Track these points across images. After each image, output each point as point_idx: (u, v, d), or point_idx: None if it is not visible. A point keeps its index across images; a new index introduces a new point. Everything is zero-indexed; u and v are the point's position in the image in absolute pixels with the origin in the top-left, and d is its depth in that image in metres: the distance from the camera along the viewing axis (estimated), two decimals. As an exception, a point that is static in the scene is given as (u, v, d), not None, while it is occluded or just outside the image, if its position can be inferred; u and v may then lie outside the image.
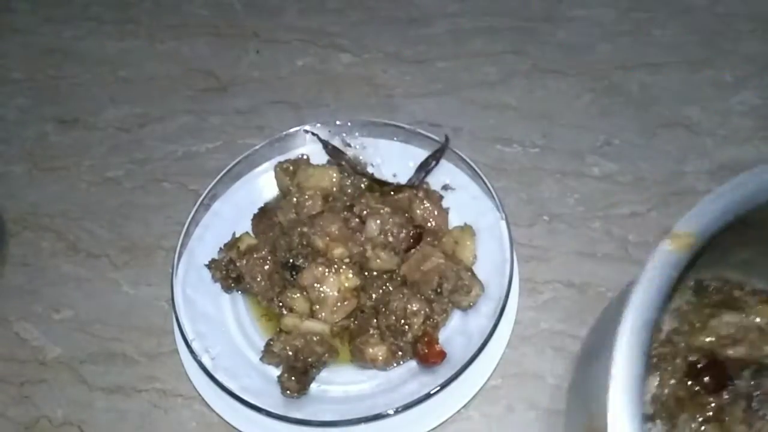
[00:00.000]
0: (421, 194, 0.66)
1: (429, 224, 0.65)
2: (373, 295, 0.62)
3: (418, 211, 0.65)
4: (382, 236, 0.62)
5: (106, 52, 0.91)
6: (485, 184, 0.65)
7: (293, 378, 0.58)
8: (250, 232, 0.68)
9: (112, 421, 0.62)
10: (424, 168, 0.68)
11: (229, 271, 0.63)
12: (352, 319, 0.62)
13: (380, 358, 0.59)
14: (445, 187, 0.68)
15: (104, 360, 0.65)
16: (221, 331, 0.63)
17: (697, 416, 0.48)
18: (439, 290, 0.60)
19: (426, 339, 0.59)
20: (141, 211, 0.75)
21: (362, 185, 0.68)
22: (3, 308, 0.69)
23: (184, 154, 0.80)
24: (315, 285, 0.60)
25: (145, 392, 0.63)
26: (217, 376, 0.57)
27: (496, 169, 0.74)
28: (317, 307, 0.61)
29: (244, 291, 0.65)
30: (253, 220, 0.68)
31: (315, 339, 0.60)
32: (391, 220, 0.63)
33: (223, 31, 0.91)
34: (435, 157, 0.68)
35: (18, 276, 0.72)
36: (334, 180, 0.68)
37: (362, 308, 0.62)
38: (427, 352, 0.58)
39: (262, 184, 0.71)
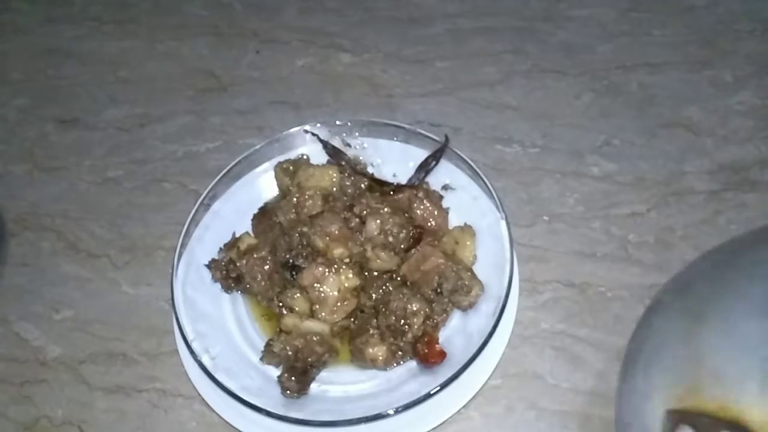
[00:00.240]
0: (421, 194, 0.66)
1: (429, 224, 0.65)
2: (373, 295, 0.62)
3: (418, 211, 0.65)
4: (382, 236, 0.62)
5: (106, 52, 0.91)
6: (485, 184, 0.65)
7: (293, 378, 0.58)
8: (250, 232, 0.68)
9: (112, 421, 0.62)
10: (424, 168, 0.68)
11: (229, 271, 0.63)
12: (352, 319, 0.62)
13: (380, 358, 0.59)
14: (445, 187, 0.68)
15: (104, 360, 0.65)
16: (221, 331, 0.63)
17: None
18: (439, 290, 0.60)
19: (426, 339, 0.59)
20: (141, 211, 0.75)
21: (362, 185, 0.68)
22: (3, 308, 0.69)
23: (184, 154, 0.80)
24: (315, 285, 0.60)
25: (145, 392, 0.63)
26: (217, 376, 0.57)
27: (496, 169, 0.74)
28: (317, 307, 0.61)
29: (244, 291, 0.65)
30: (253, 220, 0.68)
31: (315, 339, 0.60)
32: (391, 220, 0.63)
33: (223, 31, 0.92)
34: (435, 157, 0.68)
35: (18, 276, 0.72)
36: (334, 180, 0.68)
37: (362, 308, 0.62)
38: (427, 352, 0.58)
39: (262, 184, 0.71)
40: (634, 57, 0.83)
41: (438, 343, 0.59)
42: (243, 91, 0.85)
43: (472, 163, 0.66)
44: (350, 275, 0.60)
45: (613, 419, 0.52)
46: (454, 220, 0.66)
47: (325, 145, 0.71)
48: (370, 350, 0.59)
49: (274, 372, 0.60)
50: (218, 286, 0.64)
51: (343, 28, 0.89)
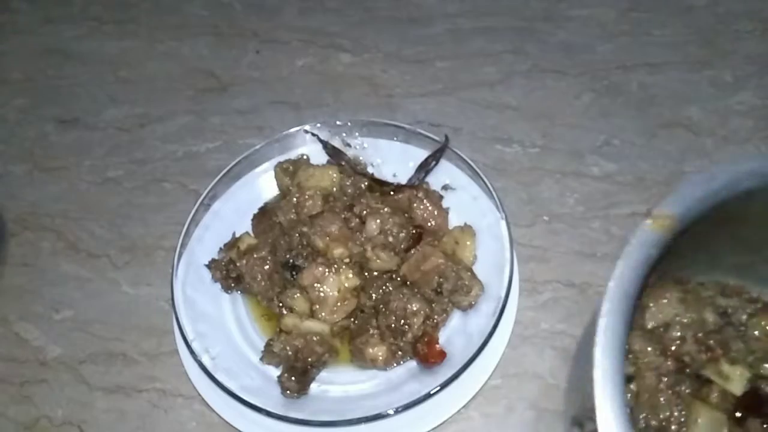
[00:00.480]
0: (421, 194, 0.66)
1: (429, 224, 0.65)
2: (373, 295, 0.62)
3: (418, 211, 0.65)
4: (382, 236, 0.62)
5: (106, 52, 0.91)
6: (485, 184, 0.65)
7: (293, 378, 0.58)
8: (250, 232, 0.68)
9: (112, 421, 0.62)
10: (424, 168, 0.68)
11: (229, 271, 0.63)
12: (352, 319, 0.62)
13: (380, 358, 0.59)
14: (445, 187, 0.68)
15: (104, 360, 0.65)
16: (221, 331, 0.63)
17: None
18: (439, 290, 0.60)
19: (426, 339, 0.59)
20: (141, 211, 0.75)
21: (362, 185, 0.68)
22: (3, 308, 0.69)
23: (184, 154, 0.80)
24: (315, 285, 0.60)
25: (145, 392, 0.63)
26: (217, 376, 0.57)
27: (496, 169, 0.74)
28: (317, 307, 0.61)
29: (244, 291, 0.65)
30: (253, 220, 0.68)
31: (315, 339, 0.60)
32: (391, 220, 0.63)
33: (223, 31, 0.92)
34: (435, 157, 0.68)
35: (18, 276, 0.72)
36: (334, 180, 0.68)
37: (362, 308, 0.62)
38: (427, 352, 0.58)
39: (262, 184, 0.71)
40: (634, 57, 0.83)
41: (438, 343, 0.59)
42: (243, 91, 0.85)
43: (472, 163, 0.66)
44: (350, 275, 0.60)
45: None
46: (454, 220, 0.66)
47: (325, 145, 0.71)
48: (370, 350, 0.59)
49: (274, 372, 0.60)
50: (218, 286, 0.64)
51: (343, 28, 0.89)
